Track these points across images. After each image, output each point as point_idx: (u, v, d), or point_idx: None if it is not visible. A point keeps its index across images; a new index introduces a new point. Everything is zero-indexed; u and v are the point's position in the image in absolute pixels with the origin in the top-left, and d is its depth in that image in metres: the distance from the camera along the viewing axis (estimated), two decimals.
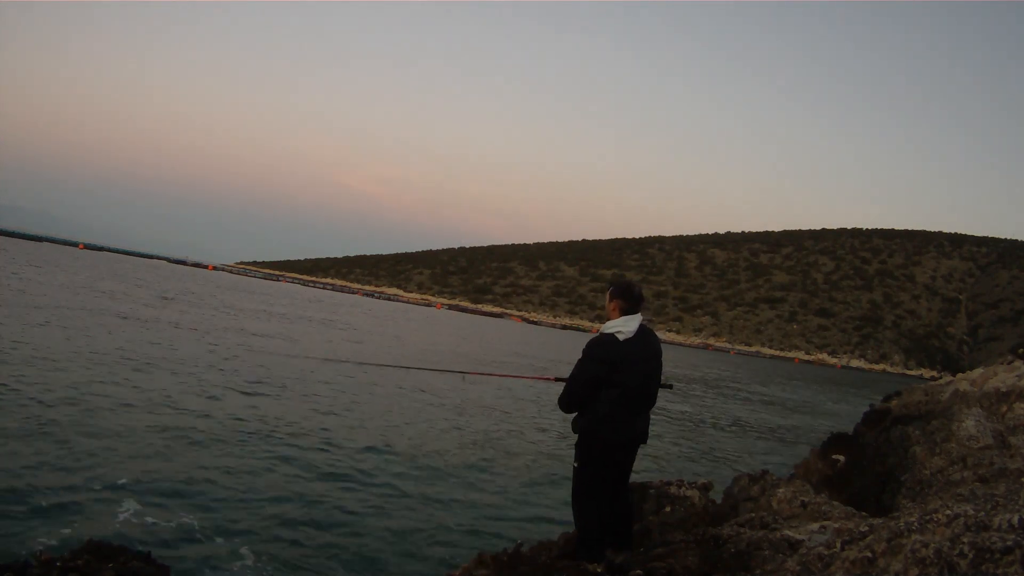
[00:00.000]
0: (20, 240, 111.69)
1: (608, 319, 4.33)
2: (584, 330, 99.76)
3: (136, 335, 20.00)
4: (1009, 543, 2.33)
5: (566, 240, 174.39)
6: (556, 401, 4.42)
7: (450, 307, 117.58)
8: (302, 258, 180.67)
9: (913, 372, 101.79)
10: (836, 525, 3.87)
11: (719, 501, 5.91)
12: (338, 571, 6.52)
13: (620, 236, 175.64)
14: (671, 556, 4.05)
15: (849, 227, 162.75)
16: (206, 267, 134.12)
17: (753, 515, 4.66)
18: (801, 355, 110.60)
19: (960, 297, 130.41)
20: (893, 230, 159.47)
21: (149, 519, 6.80)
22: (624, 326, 4.21)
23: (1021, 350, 9.93)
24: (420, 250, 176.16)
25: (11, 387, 10.93)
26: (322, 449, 10.50)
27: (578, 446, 4.32)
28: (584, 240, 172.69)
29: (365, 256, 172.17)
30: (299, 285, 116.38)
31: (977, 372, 9.53)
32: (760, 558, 3.64)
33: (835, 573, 2.89)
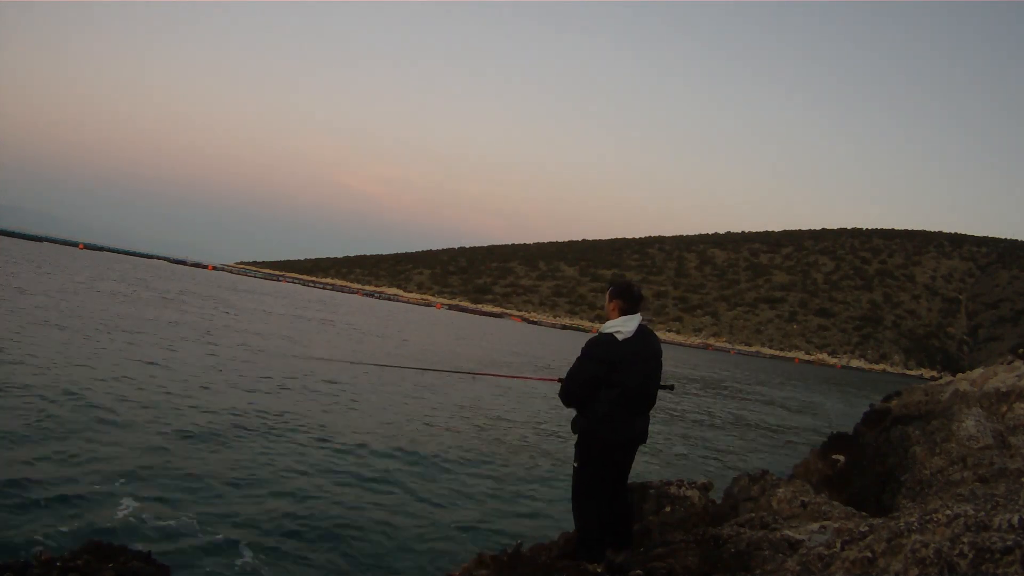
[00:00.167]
0: (20, 240, 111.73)
1: (608, 319, 4.33)
2: (584, 330, 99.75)
3: (136, 335, 19.99)
4: (1009, 543, 2.33)
5: (566, 240, 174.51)
6: (557, 398, 4.43)
7: (450, 307, 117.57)
8: (302, 258, 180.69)
9: (913, 372, 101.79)
10: (836, 525, 3.87)
11: (719, 501, 5.90)
12: (338, 571, 6.52)
13: (620, 236, 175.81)
14: (671, 556, 4.05)
15: (849, 227, 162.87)
16: (206, 267, 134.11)
17: (753, 515, 4.66)
18: (801, 355, 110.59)
19: (960, 297, 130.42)
20: (893, 230, 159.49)
21: (149, 518, 6.80)
22: (623, 326, 4.20)
23: (1021, 350, 9.93)
24: (420, 250, 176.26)
25: (11, 386, 10.93)
26: (323, 448, 10.50)
27: (578, 446, 4.32)
28: (584, 240, 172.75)
29: (365, 256, 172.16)
30: (299, 285, 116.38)
31: (977, 372, 9.53)
32: (760, 558, 3.64)
33: (835, 573, 2.89)
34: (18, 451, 8.06)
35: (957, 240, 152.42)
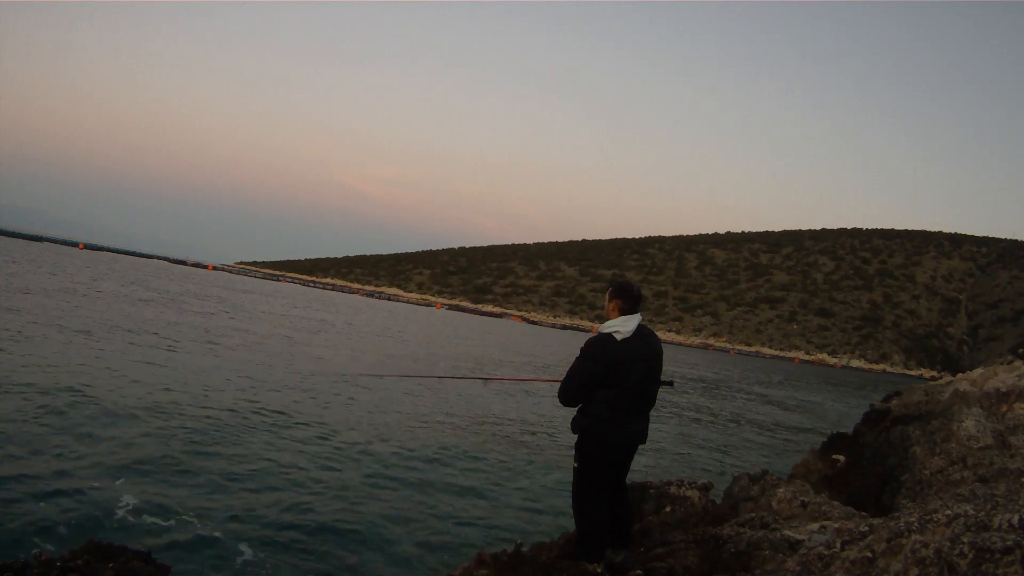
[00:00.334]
0: (20, 240, 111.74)
1: (607, 319, 4.33)
2: (584, 330, 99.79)
3: (136, 335, 19.99)
4: (1009, 543, 2.33)
5: (566, 240, 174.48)
6: (557, 396, 4.42)
7: (450, 307, 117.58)
8: (302, 258, 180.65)
9: (913, 372, 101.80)
10: (836, 525, 3.87)
11: (719, 501, 5.90)
12: (338, 570, 6.52)
13: (620, 236, 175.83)
14: (671, 556, 4.05)
15: (849, 227, 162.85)
16: (206, 267, 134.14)
17: (753, 515, 4.66)
18: (801, 355, 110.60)
19: (960, 297, 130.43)
20: (893, 230, 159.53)
21: (149, 517, 6.80)
22: (623, 326, 4.20)
23: (1021, 350, 9.94)
24: (420, 250, 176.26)
25: (12, 386, 10.93)
26: (323, 446, 10.50)
27: (577, 446, 4.32)
28: (584, 240, 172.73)
29: (365, 256, 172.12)
30: (299, 285, 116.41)
31: (977, 372, 9.53)
32: (760, 558, 3.64)
33: (835, 573, 2.89)
34: (17, 450, 8.06)
35: (957, 240, 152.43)
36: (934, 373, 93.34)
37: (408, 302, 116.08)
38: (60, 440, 8.72)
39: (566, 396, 4.28)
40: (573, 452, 4.37)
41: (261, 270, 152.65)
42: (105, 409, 10.59)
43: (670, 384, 4.75)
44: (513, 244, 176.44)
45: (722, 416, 22.60)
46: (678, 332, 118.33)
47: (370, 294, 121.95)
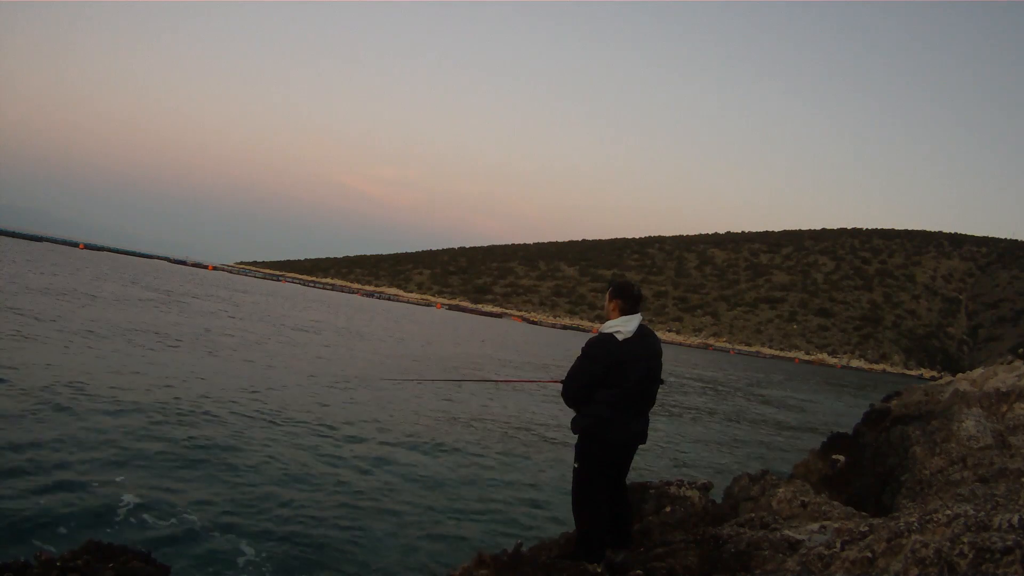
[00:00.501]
0: (20, 240, 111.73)
1: (608, 319, 4.33)
2: (584, 330, 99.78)
3: (136, 335, 19.99)
4: (1009, 543, 2.33)
5: (566, 240, 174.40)
6: (559, 396, 4.44)
7: (450, 307, 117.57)
8: (302, 258, 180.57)
9: (913, 372, 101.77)
10: (836, 525, 3.87)
11: (719, 501, 5.91)
12: (338, 569, 6.52)
13: (620, 236, 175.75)
14: (671, 556, 4.05)
15: (849, 227, 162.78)
16: (206, 267, 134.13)
17: (753, 515, 4.66)
18: (801, 355, 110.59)
19: (960, 297, 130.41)
20: (893, 230, 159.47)
21: (149, 516, 6.80)
22: (623, 326, 4.20)
23: (1021, 350, 9.94)
24: (420, 250, 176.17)
25: (11, 385, 10.93)
26: (323, 447, 10.50)
27: (578, 446, 4.32)
28: (584, 240, 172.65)
29: (365, 256, 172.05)
30: (299, 285, 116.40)
31: (977, 372, 9.54)
32: (760, 558, 3.64)
33: (835, 573, 2.89)
34: (17, 449, 8.05)
35: (957, 240, 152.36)
36: (934, 373, 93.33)
37: (408, 302, 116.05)
38: (60, 437, 8.71)
39: (568, 396, 4.30)
40: (573, 452, 4.37)
41: (261, 270, 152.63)
42: (105, 408, 10.58)
43: (661, 382, 4.75)
44: (513, 244, 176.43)
45: (722, 416, 22.60)
46: (678, 332, 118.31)
47: (370, 294, 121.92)
